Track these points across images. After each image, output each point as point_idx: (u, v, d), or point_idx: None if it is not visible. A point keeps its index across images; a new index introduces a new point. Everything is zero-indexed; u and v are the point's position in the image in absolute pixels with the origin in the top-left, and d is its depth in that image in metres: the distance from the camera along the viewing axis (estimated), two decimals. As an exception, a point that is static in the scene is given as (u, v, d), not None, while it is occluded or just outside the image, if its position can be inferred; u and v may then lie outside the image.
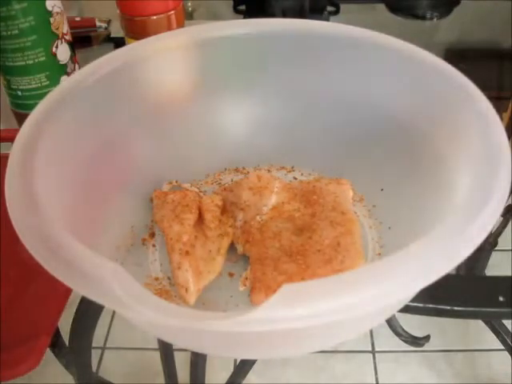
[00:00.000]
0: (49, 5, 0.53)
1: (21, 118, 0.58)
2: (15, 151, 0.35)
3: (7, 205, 0.31)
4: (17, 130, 0.37)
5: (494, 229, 0.72)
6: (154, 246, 0.44)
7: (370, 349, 1.09)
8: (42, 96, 0.40)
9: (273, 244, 0.41)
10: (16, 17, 0.51)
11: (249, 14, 0.90)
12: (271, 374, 1.06)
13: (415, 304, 0.42)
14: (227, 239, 0.43)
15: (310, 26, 0.46)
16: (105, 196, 0.42)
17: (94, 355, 1.07)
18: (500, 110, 0.37)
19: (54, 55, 0.55)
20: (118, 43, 0.71)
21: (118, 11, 0.58)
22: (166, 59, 0.46)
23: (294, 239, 0.41)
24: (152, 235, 0.44)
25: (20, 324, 0.42)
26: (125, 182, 0.45)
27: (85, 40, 0.75)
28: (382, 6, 0.83)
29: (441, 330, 1.10)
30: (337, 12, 0.88)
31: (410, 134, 0.43)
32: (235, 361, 1.04)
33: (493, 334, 0.83)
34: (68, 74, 0.58)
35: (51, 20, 0.54)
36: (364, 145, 0.46)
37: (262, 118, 0.49)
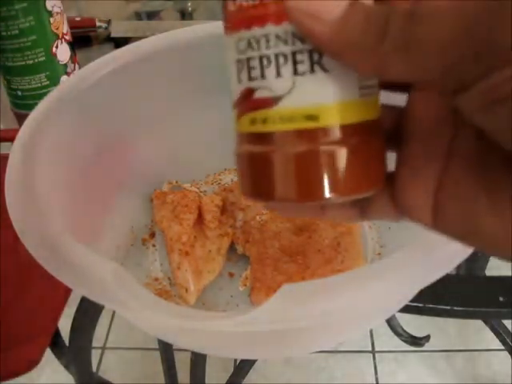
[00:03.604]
0: (49, 5, 0.53)
1: (21, 118, 0.58)
2: (15, 151, 0.35)
3: (7, 205, 0.31)
4: (17, 130, 0.37)
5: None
6: (154, 246, 0.44)
7: (370, 349, 1.09)
8: (41, 96, 0.40)
9: (273, 244, 0.41)
10: (16, 17, 0.51)
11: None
12: (271, 373, 1.06)
13: (415, 304, 0.42)
14: (227, 239, 0.43)
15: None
16: (105, 196, 0.42)
17: (94, 355, 1.07)
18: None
19: (54, 55, 0.55)
20: (118, 43, 0.71)
21: None
22: (165, 59, 0.46)
23: (293, 239, 0.41)
24: (152, 235, 0.44)
25: (20, 324, 0.42)
26: (125, 182, 0.45)
27: (85, 40, 0.75)
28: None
29: (441, 330, 1.10)
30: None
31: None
32: (235, 361, 1.04)
33: (493, 334, 0.83)
34: (68, 74, 0.58)
35: (51, 20, 0.54)
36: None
37: (261, 118, 0.49)
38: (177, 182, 0.48)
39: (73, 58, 0.58)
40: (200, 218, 0.43)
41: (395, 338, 0.89)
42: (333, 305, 0.26)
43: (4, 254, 0.47)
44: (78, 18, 0.74)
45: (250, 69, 0.18)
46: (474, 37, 0.14)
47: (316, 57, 0.18)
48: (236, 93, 0.19)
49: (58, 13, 0.55)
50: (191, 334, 0.30)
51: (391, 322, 0.85)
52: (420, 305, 0.42)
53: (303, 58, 0.18)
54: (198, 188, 0.48)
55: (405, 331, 0.87)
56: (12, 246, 0.45)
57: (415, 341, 0.87)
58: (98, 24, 0.75)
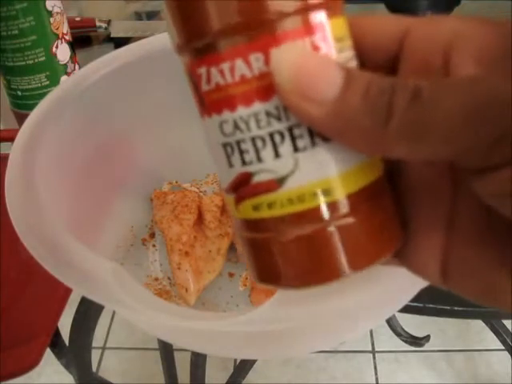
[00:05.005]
0: (49, 5, 0.53)
1: (21, 118, 0.58)
2: (15, 151, 0.35)
3: (7, 205, 0.31)
4: (17, 130, 0.37)
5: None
6: (154, 246, 0.44)
7: (370, 349, 1.09)
8: (42, 96, 0.40)
9: (273, 244, 0.41)
10: (16, 17, 0.51)
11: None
12: (271, 373, 1.06)
13: (415, 304, 0.42)
14: (227, 239, 0.43)
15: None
16: (105, 196, 0.42)
17: (94, 355, 1.07)
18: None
19: (54, 55, 0.55)
20: (118, 43, 0.71)
21: None
22: (165, 59, 0.46)
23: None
24: (152, 235, 0.44)
25: (20, 324, 0.42)
26: (125, 182, 0.45)
27: (85, 40, 0.74)
28: (381, 6, 0.83)
29: (441, 330, 1.10)
30: (337, 12, 0.88)
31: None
32: (235, 361, 1.04)
33: (493, 334, 0.83)
34: (68, 74, 0.58)
35: (51, 20, 0.54)
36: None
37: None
38: (177, 182, 0.48)
39: (73, 58, 0.58)
40: (200, 218, 0.43)
41: (395, 337, 0.89)
42: (332, 305, 0.26)
43: (4, 254, 0.47)
44: (77, 18, 0.74)
45: (242, 152, 0.16)
46: (490, 121, 0.13)
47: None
48: (228, 177, 0.17)
49: (58, 13, 0.55)
50: (191, 333, 0.30)
51: (391, 322, 0.85)
52: (420, 305, 0.42)
53: (301, 132, 0.16)
54: (197, 188, 0.48)
55: (405, 331, 0.87)
56: (12, 245, 0.45)
57: (415, 341, 0.87)
58: (97, 24, 0.75)
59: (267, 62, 0.15)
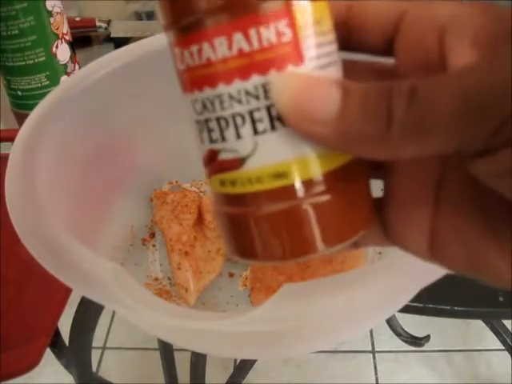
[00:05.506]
0: (49, 5, 0.53)
1: (21, 118, 0.58)
2: (15, 151, 0.35)
3: (7, 205, 0.31)
4: (17, 130, 0.37)
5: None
6: (153, 246, 0.44)
7: (370, 349, 1.09)
8: (42, 96, 0.40)
9: (273, 244, 0.41)
10: (16, 17, 0.51)
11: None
12: (271, 373, 1.06)
13: (415, 304, 0.42)
14: (227, 239, 0.43)
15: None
16: (105, 196, 0.42)
17: (94, 355, 1.07)
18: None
19: (54, 55, 0.55)
20: (118, 43, 0.71)
21: None
22: (165, 59, 0.46)
23: (293, 239, 0.41)
24: (152, 235, 0.44)
25: (20, 324, 0.42)
26: (125, 182, 0.45)
27: (85, 40, 0.75)
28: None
29: (441, 330, 1.10)
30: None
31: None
32: (235, 361, 1.04)
33: (493, 334, 0.83)
34: (68, 74, 0.58)
35: (51, 20, 0.54)
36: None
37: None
38: (177, 182, 0.48)
39: (73, 58, 0.58)
40: (200, 218, 0.43)
41: (395, 337, 0.89)
42: (332, 305, 0.26)
43: (4, 254, 0.47)
44: (77, 18, 0.74)
45: (209, 131, 0.17)
46: (480, 116, 0.13)
47: (275, 112, 0.16)
48: (201, 152, 0.18)
49: (58, 13, 0.55)
50: (191, 333, 0.30)
51: (391, 322, 0.85)
52: (420, 305, 0.42)
53: (261, 115, 0.16)
54: (197, 188, 0.48)
55: (405, 331, 0.87)
56: (12, 246, 0.45)
57: (415, 341, 0.87)
58: (97, 24, 0.75)
59: (230, 46, 0.16)
